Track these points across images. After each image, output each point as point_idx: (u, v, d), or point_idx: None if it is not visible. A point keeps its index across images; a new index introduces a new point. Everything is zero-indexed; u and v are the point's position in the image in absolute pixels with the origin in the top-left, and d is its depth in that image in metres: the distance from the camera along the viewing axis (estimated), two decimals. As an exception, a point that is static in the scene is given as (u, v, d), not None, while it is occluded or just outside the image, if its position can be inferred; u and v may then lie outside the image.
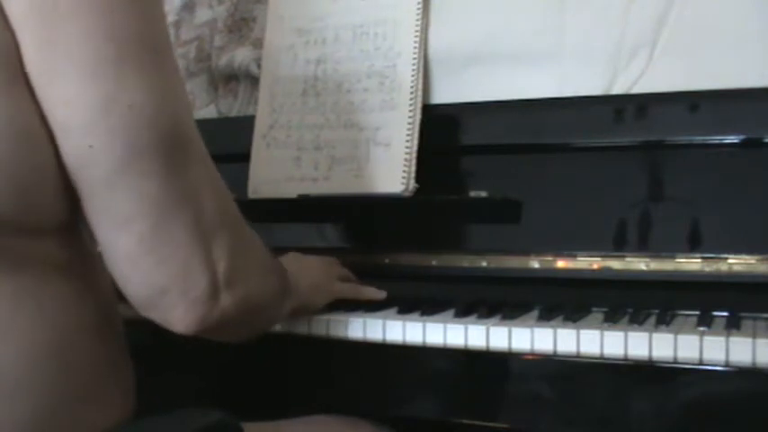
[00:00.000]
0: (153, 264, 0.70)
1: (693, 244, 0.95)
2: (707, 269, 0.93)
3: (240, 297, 0.75)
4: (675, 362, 0.80)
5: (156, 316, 0.73)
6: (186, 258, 0.70)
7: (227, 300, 0.74)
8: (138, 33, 0.68)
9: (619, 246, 0.98)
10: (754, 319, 0.89)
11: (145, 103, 0.67)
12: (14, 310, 0.67)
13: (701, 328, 0.83)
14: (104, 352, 0.75)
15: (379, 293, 1.02)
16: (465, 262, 1.04)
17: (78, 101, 0.66)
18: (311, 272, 0.97)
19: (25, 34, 0.65)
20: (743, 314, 0.89)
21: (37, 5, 0.65)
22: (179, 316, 0.72)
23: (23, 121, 0.66)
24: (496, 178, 1.05)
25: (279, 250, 1.16)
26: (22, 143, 0.65)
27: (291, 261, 0.95)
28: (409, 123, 1.07)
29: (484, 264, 1.03)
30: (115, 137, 0.66)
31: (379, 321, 0.92)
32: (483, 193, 1.03)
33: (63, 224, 0.71)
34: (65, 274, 0.71)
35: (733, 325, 0.84)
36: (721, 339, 0.78)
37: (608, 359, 0.82)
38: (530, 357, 0.86)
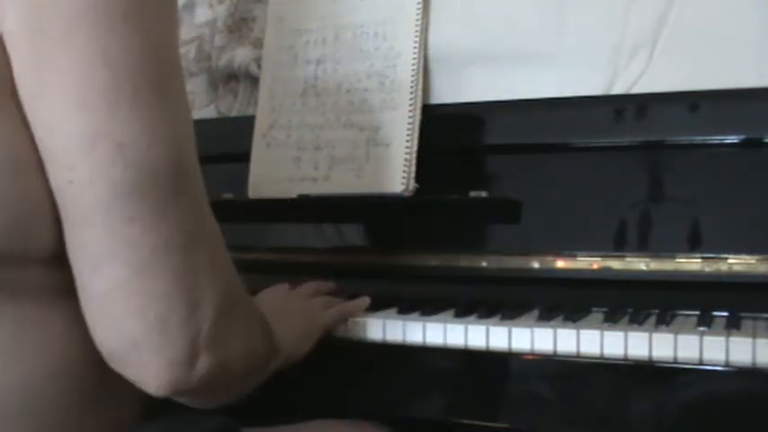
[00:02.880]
0: (126, 313, 0.64)
1: (693, 244, 0.95)
2: (707, 269, 0.93)
3: (219, 362, 0.68)
4: (675, 362, 0.80)
5: (127, 372, 0.66)
6: (165, 312, 0.64)
7: (204, 363, 0.67)
8: (139, 62, 0.62)
9: (619, 246, 0.98)
10: (754, 319, 0.89)
11: (137, 140, 0.62)
12: (16, 337, 0.66)
13: (701, 328, 0.83)
14: (111, 371, 0.71)
15: (362, 302, 0.96)
16: (465, 262, 1.04)
17: (63, 131, 0.61)
18: (295, 320, 0.89)
19: (18, 54, 0.61)
20: (743, 314, 0.89)
21: (31, 24, 0.61)
22: (151, 375, 0.65)
23: (16, 148, 0.62)
24: (496, 178, 1.05)
25: (279, 250, 1.16)
26: (15, 171, 0.62)
27: (271, 310, 0.86)
28: (409, 123, 1.07)
29: (484, 264, 1.03)
30: (99, 175, 0.61)
31: (380, 321, 0.92)
32: (483, 193, 1.02)
33: (63, 250, 0.67)
34: (68, 299, 0.68)
35: (733, 325, 0.84)
36: (721, 339, 0.78)
37: (608, 359, 0.82)
38: (530, 357, 0.86)
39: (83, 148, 0.61)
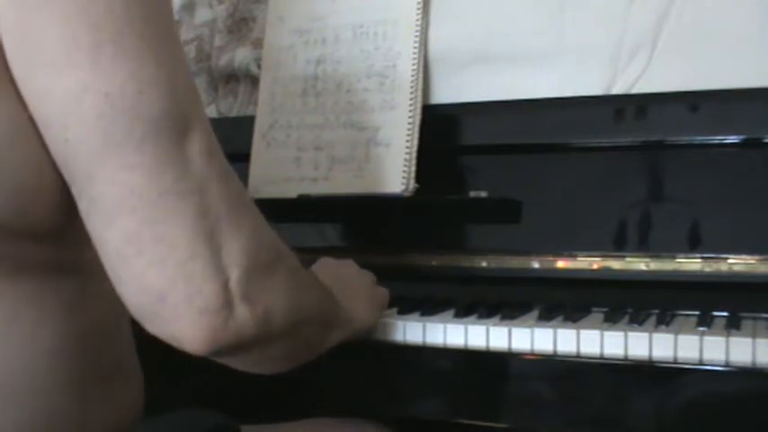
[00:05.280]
0: (146, 264, 0.62)
1: (693, 244, 0.95)
2: (707, 269, 0.93)
3: (262, 313, 0.66)
4: (675, 362, 0.80)
5: (162, 330, 0.64)
6: (185, 260, 0.62)
7: (243, 313, 0.65)
8: (121, 14, 0.62)
9: (619, 246, 0.98)
10: (754, 319, 0.89)
11: (125, 88, 0.61)
12: (14, 315, 0.66)
13: (701, 328, 0.83)
14: (110, 354, 0.73)
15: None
16: (465, 262, 1.04)
17: (53, 92, 0.61)
18: (355, 288, 0.87)
19: (5, 25, 0.61)
20: (743, 314, 0.90)
21: None
22: (185, 329, 0.63)
23: (13, 120, 0.62)
24: (496, 178, 1.05)
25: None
26: (14, 143, 0.63)
27: (331, 279, 0.85)
28: (409, 123, 1.07)
29: (484, 264, 1.03)
30: (89, 127, 0.61)
31: (380, 321, 0.92)
32: (483, 193, 1.02)
33: (63, 226, 0.67)
34: (67, 277, 0.69)
35: (733, 325, 0.84)
36: (721, 339, 0.78)
37: (608, 359, 0.82)
38: (530, 357, 0.86)
39: (71, 105, 0.61)
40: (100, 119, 0.61)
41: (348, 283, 0.89)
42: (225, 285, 0.64)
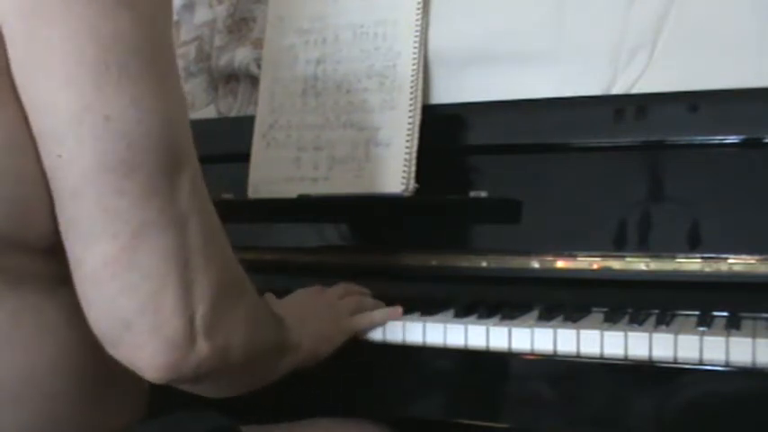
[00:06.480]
0: (117, 290, 0.63)
1: (693, 244, 0.95)
2: (707, 269, 0.93)
3: (221, 347, 0.67)
4: (675, 362, 0.80)
5: (123, 355, 0.65)
6: (157, 291, 0.63)
7: (204, 349, 0.66)
8: (129, 39, 0.62)
9: (619, 246, 0.98)
10: (754, 319, 0.89)
11: (126, 115, 0.61)
12: (17, 324, 0.66)
13: (701, 328, 0.83)
14: (112, 357, 0.72)
15: (395, 312, 0.93)
16: (465, 262, 1.04)
17: (51, 107, 0.61)
18: (320, 321, 0.88)
19: (12, 36, 0.61)
20: (743, 314, 0.90)
21: (25, 5, 0.61)
22: (146, 358, 0.64)
23: (13, 130, 0.62)
24: (496, 178, 1.05)
25: (279, 250, 1.16)
26: (14, 154, 0.62)
27: (291, 307, 0.87)
28: (409, 123, 1.07)
29: (484, 264, 1.03)
30: (86, 148, 0.61)
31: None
32: (483, 193, 1.03)
33: (60, 239, 0.66)
34: (68, 287, 0.67)
35: (733, 325, 0.84)
36: (721, 339, 0.78)
37: (608, 359, 0.82)
38: (530, 357, 0.86)
39: (70, 123, 0.61)
40: (97, 141, 0.61)
41: (314, 314, 0.89)
42: (191, 320, 0.65)
